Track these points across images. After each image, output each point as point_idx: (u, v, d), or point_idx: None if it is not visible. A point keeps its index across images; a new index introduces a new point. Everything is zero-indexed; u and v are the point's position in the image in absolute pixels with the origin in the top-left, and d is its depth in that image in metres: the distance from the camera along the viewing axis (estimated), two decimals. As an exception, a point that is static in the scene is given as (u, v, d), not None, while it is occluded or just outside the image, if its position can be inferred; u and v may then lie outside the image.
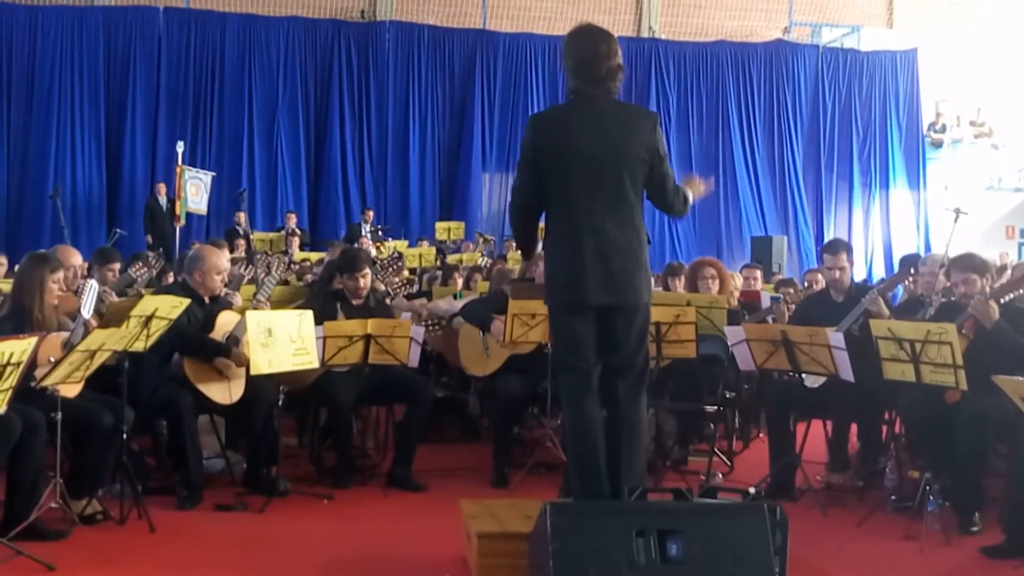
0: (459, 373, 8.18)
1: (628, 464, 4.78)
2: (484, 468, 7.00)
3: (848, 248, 7.07)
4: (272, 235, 17.69)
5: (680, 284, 8.47)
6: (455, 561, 5.15)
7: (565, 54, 4.86)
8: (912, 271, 7.42)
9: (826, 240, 12.65)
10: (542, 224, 5.07)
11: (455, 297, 9.30)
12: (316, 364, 6.23)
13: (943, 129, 23.03)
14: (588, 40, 4.82)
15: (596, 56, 4.77)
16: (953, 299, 6.48)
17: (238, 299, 6.94)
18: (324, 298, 7.17)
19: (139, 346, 5.69)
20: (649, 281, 4.94)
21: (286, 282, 9.91)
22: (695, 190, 5.15)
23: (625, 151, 4.73)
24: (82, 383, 5.56)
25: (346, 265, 7.14)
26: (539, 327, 6.70)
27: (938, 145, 23.00)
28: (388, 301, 7.73)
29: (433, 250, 16.41)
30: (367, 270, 7.17)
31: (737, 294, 8.47)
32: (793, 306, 7.45)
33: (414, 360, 6.69)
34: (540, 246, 5.37)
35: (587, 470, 4.78)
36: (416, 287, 11.00)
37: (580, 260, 4.71)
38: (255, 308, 6.44)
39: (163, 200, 17.78)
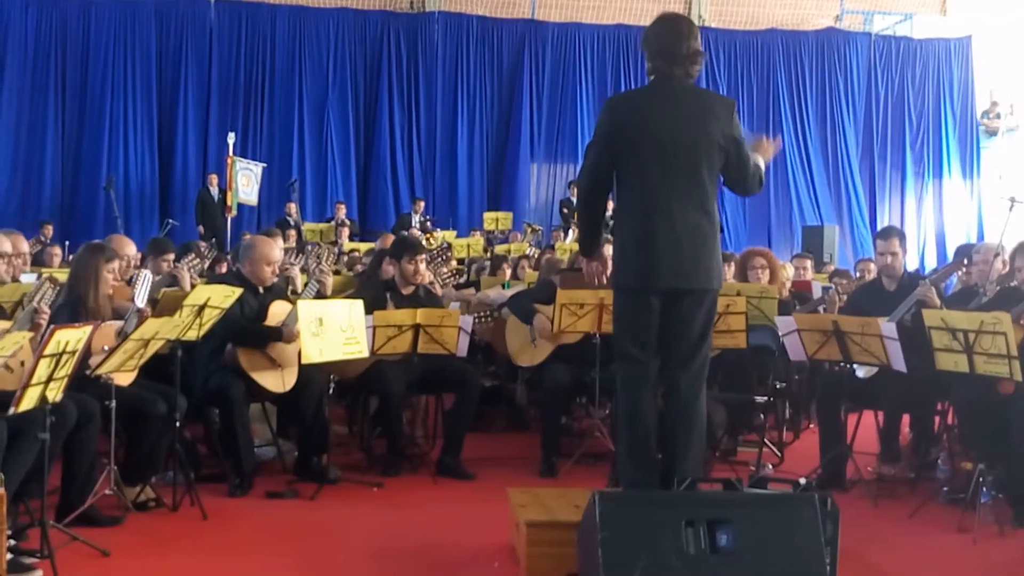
0: (507, 362, 8.18)
1: (684, 457, 4.74)
2: (532, 457, 7.02)
3: (901, 235, 6.96)
4: (322, 226, 17.79)
5: (730, 270, 8.42)
6: (504, 549, 5.16)
7: (646, 38, 4.89)
8: (965, 261, 7.32)
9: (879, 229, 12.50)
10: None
11: (504, 287, 9.30)
12: (366, 353, 6.26)
13: (998, 117, 22.67)
14: (671, 23, 4.88)
15: (679, 36, 4.80)
16: (1014, 284, 6.39)
17: (296, 272, 7.02)
18: (374, 288, 7.20)
19: (192, 335, 5.76)
20: (720, 267, 4.86)
21: (336, 272, 9.97)
22: (765, 153, 5.10)
23: (700, 136, 4.71)
24: (136, 371, 5.64)
25: (406, 248, 7.14)
26: (587, 317, 6.69)
27: (992, 133, 22.62)
28: (436, 290, 7.74)
29: (482, 240, 16.40)
30: (424, 254, 7.19)
31: (789, 284, 8.40)
32: (845, 296, 7.39)
33: (463, 350, 6.71)
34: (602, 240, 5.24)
35: (638, 459, 4.76)
36: (464, 277, 11.02)
37: (652, 242, 4.66)
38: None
39: (215, 191, 17.96)
